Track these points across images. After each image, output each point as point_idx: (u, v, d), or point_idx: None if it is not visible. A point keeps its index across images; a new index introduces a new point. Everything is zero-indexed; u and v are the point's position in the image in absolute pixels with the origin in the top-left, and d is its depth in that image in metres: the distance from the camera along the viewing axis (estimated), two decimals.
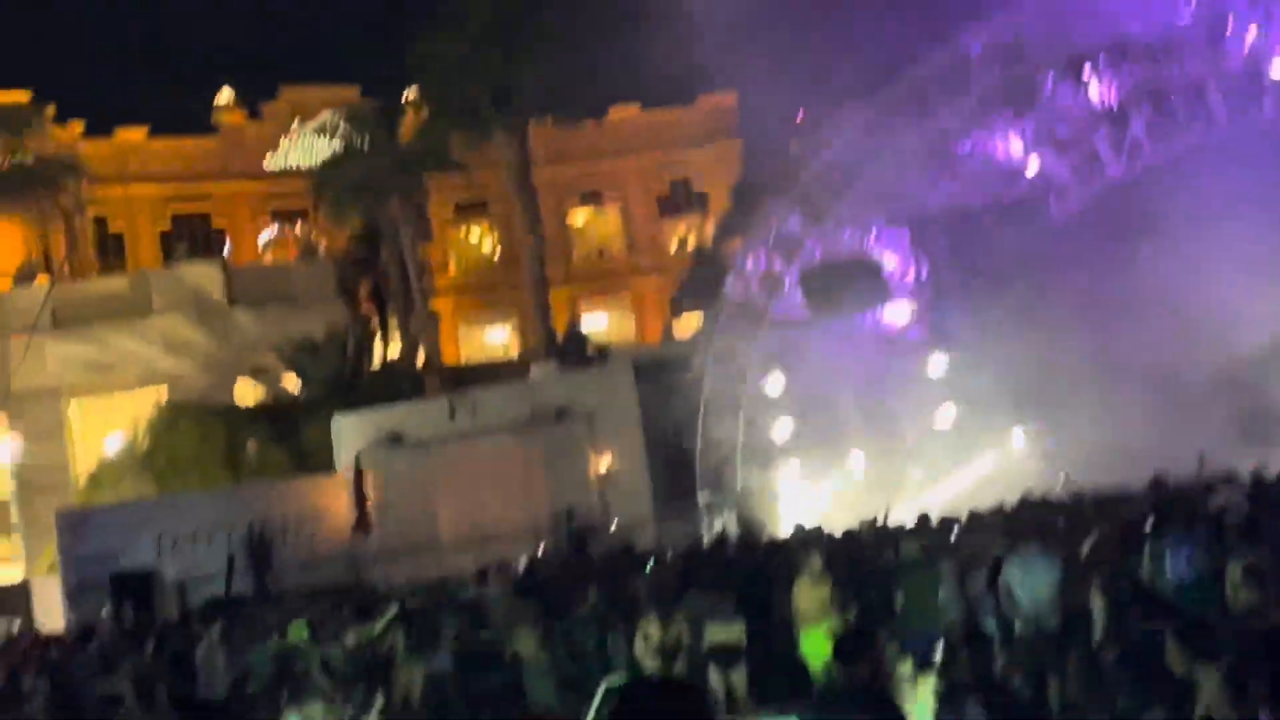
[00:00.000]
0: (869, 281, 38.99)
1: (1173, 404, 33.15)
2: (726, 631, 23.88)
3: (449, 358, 65.30)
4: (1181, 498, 22.53)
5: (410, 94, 64.28)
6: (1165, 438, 30.91)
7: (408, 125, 62.06)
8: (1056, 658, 14.61)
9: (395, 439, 43.97)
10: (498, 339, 74.03)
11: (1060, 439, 35.44)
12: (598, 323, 72.32)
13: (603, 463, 42.60)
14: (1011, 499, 28.47)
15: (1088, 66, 36.84)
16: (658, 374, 41.83)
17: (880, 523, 29.47)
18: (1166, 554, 17.31)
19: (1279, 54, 36.16)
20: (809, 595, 22.26)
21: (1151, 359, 33.60)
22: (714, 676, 24.09)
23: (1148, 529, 18.78)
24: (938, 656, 14.15)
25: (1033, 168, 39.03)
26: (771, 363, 39.55)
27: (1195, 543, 16.93)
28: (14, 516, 54.48)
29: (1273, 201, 33.65)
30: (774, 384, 39.49)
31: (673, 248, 76.36)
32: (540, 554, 35.85)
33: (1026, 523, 22.97)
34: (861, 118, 38.52)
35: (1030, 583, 18.79)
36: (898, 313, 39.89)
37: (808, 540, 26.49)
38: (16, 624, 39.72)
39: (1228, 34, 35.51)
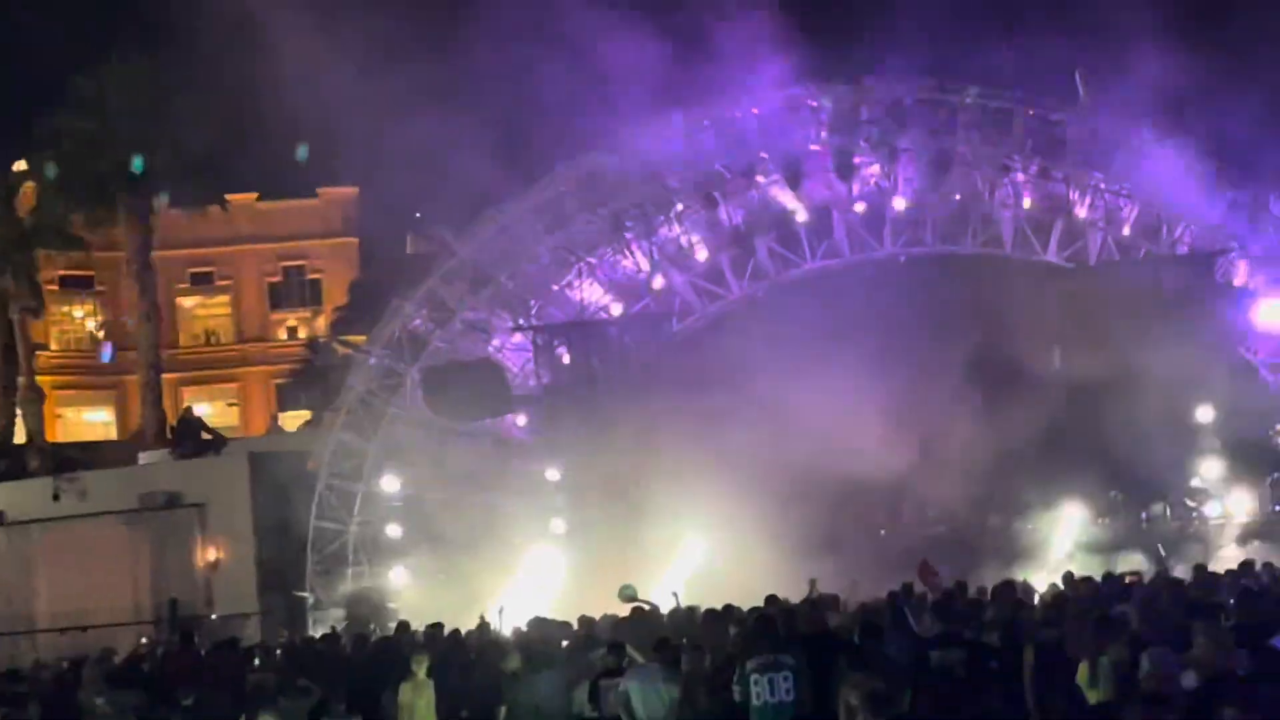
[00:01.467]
0: (492, 385, 39.22)
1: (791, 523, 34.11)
2: None
3: (47, 436, 63.46)
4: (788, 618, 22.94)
5: (21, 165, 62.39)
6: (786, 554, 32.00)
7: (25, 198, 60.32)
8: None
9: None
10: (98, 419, 72.15)
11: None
12: (201, 411, 71.04)
13: (211, 552, 41.90)
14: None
15: (718, 191, 37.94)
16: (272, 466, 41.38)
17: (492, 626, 29.37)
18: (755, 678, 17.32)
19: (900, 193, 37.88)
20: (412, 697, 22.33)
21: (768, 482, 34.45)
22: None
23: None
24: None
25: (658, 283, 40.00)
26: (389, 461, 39.53)
27: (791, 667, 17.08)
28: None
29: (883, 332, 35.19)
30: (390, 482, 39.47)
31: (282, 337, 75.58)
32: (144, 643, 35.06)
33: (642, 636, 23.14)
34: (495, 223, 38.83)
35: (649, 698, 19.05)
36: (518, 417, 40.25)
37: (415, 641, 26.48)
38: None
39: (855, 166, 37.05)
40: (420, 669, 22.55)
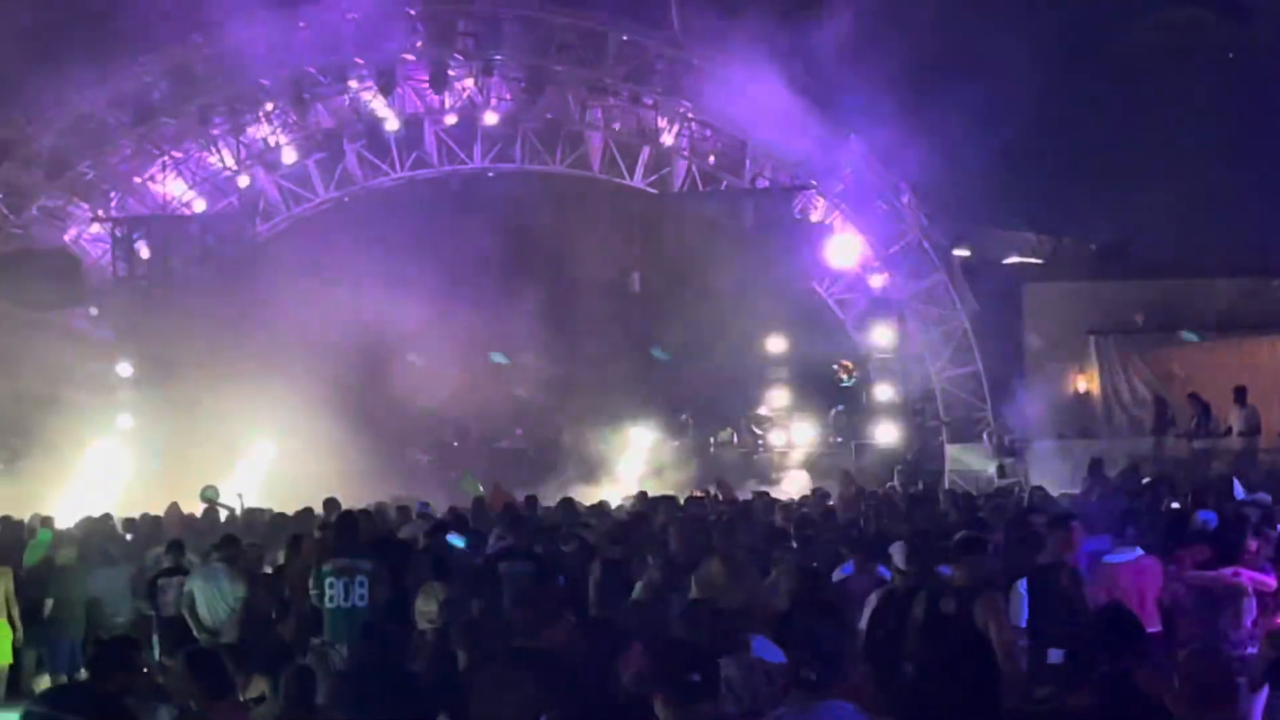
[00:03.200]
0: (66, 275, 38.28)
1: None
2: None
3: None
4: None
5: None
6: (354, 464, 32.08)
7: None
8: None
9: None
10: None
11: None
12: None
13: None
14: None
15: (309, 93, 37.50)
16: None
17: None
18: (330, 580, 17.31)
19: (492, 108, 38.03)
20: None
21: (341, 392, 34.44)
22: None
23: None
24: None
25: (244, 181, 39.46)
26: None
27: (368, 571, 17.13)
28: None
29: (467, 247, 35.45)
30: None
31: None
32: None
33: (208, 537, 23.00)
34: (75, 110, 37.60)
35: (213, 598, 19.00)
36: (91, 308, 39.20)
37: None
38: None
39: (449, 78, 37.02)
40: None
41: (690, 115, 37.17)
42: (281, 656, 16.10)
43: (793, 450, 37.93)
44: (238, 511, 28.11)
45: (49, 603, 21.88)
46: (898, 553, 13.34)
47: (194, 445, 35.48)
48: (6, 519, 26.82)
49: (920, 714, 8.64)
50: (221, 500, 28.93)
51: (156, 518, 27.03)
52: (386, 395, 35.16)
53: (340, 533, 17.54)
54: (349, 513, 18.94)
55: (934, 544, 14.14)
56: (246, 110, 38.39)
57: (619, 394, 36.92)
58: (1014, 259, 41.48)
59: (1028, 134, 35.87)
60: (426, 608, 15.34)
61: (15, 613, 21.15)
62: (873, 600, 13.21)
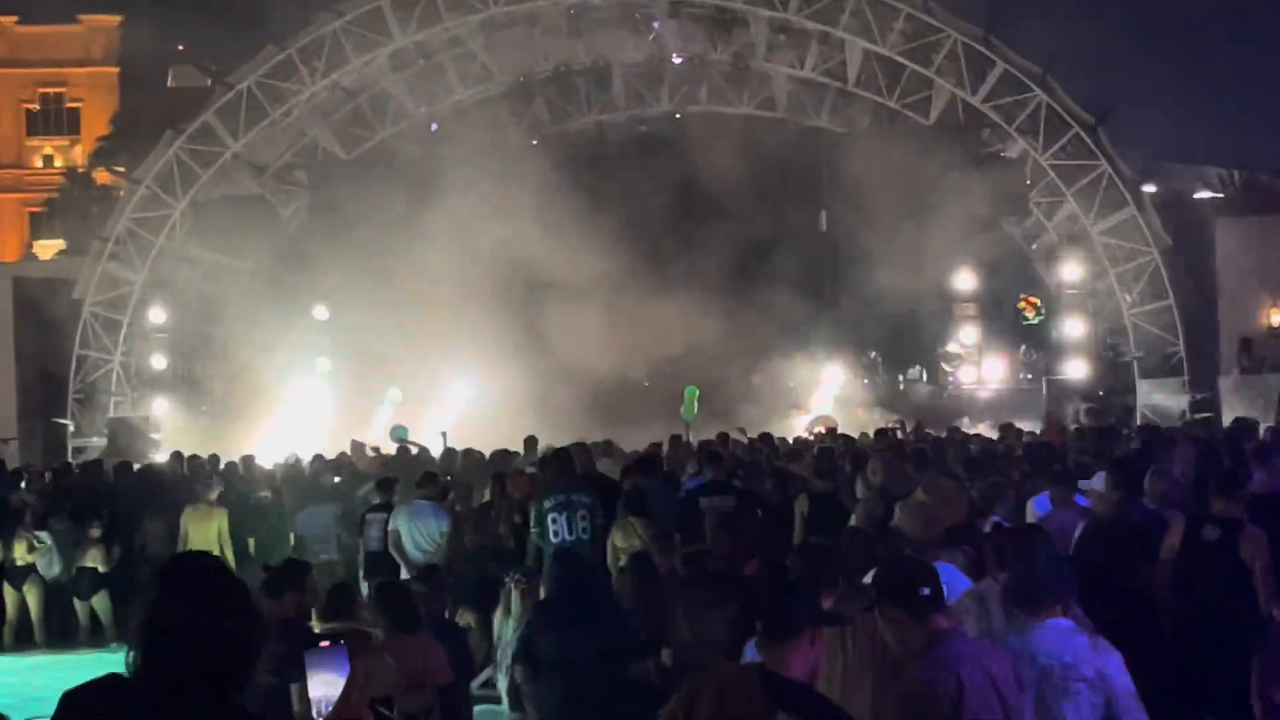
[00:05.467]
0: (262, 221, 39.11)
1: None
2: (89, 557, 23.86)
3: None
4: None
5: None
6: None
7: None
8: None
9: None
10: None
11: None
12: None
13: None
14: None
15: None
16: (34, 292, 40.68)
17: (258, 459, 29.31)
18: (552, 516, 17.59)
19: (679, 49, 38.06)
20: (199, 524, 22.40)
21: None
22: (77, 602, 24.08)
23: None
24: None
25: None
26: (156, 292, 39.14)
27: (587, 505, 17.39)
28: None
29: None
30: (156, 314, 39.14)
31: (38, 165, 73.98)
32: None
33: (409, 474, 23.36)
34: (271, 58, 38.32)
35: (418, 534, 19.38)
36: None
37: (201, 470, 26.44)
38: None
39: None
40: (211, 495, 22.72)
41: (878, 51, 37.03)
42: (488, 589, 16.54)
43: (982, 387, 37.87)
44: (434, 451, 28.53)
45: (252, 541, 22.55)
46: (1099, 482, 13.45)
47: (389, 386, 36.24)
48: (214, 459, 27.53)
49: (1174, 641, 8.79)
50: (412, 439, 29.45)
51: (359, 456, 27.68)
52: (578, 335, 35.47)
53: (558, 469, 17.79)
54: (565, 449, 19.14)
55: (1134, 473, 14.17)
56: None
57: (808, 333, 37.11)
58: (1204, 194, 41.05)
59: (1217, 70, 35.49)
60: (624, 544, 15.67)
61: (229, 552, 21.65)
62: (1080, 527, 13.33)
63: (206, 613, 4.85)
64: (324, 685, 5.05)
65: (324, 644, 5.11)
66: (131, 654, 4.85)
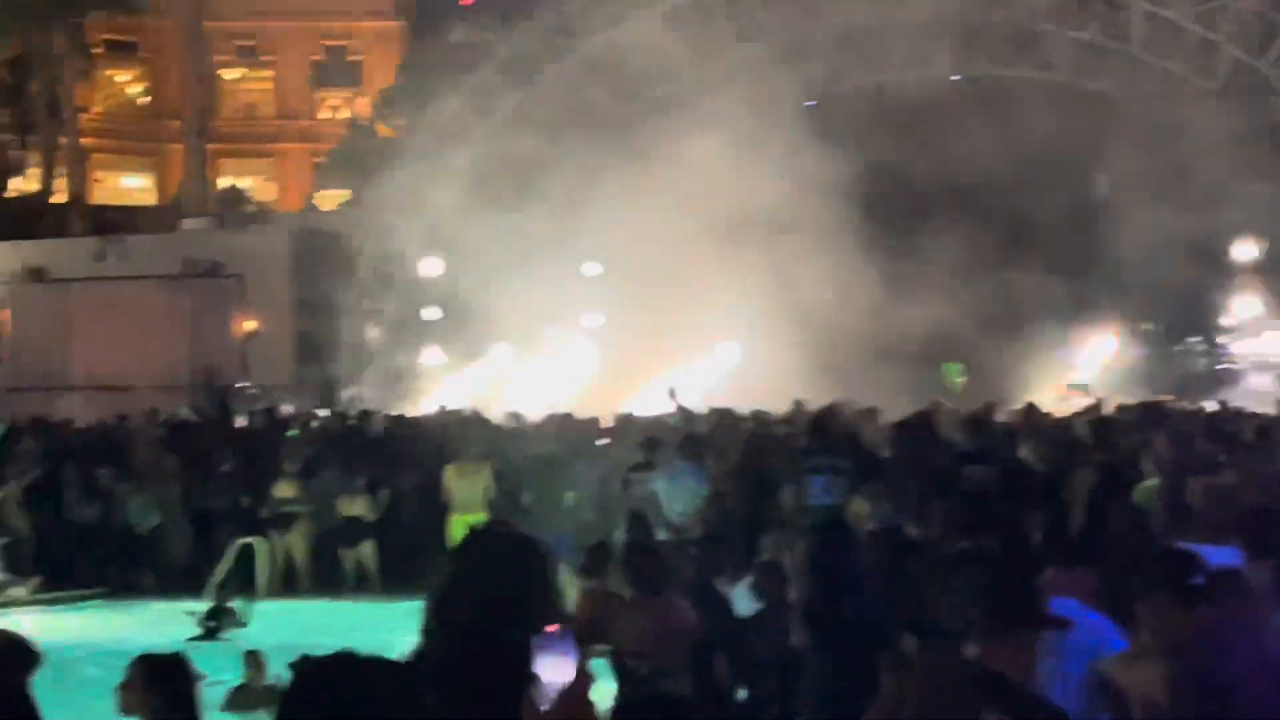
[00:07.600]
0: (542, 180, 39.39)
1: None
2: (356, 506, 24.29)
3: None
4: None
5: None
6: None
7: None
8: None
9: (36, 273, 42.81)
10: (134, 184, 72.16)
11: None
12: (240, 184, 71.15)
13: (248, 323, 42.23)
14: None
15: None
16: (313, 242, 41.58)
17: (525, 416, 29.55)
18: (813, 479, 17.58)
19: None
20: (466, 479, 22.68)
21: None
22: (342, 551, 24.54)
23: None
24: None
25: None
26: (431, 244, 39.66)
27: (846, 471, 17.26)
28: None
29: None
30: (431, 265, 39.64)
31: (324, 117, 75.48)
32: (185, 409, 35.37)
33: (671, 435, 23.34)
34: (551, 17, 38.61)
35: (676, 496, 19.40)
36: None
37: (459, 425, 26.78)
38: None
39: None
40: (477, 450, 23.02)
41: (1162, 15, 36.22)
42: (745, 552, 16.50)
43: (1264, 360, 36.83)
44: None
45: (527, 497, 22.73)
46: None
47: (660, 343, 36.36)
48: (477, 414, 27.85)
49: None
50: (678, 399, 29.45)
51: (629, 416, 27.81)
52: (844, 300, 35.22)
53: (818, 432, 17.74)
54: (824, 414, 19.06)
55: None
56: None
57: (1084, 301, 36.49)
58: None
59: None
60: (862, 510, 15.55)
61: (494, 509, 21.91)
62: None
63: (512, 586, 4.87)
64: (550, 670, 5.06)
65: (551, 628, 5.11)
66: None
